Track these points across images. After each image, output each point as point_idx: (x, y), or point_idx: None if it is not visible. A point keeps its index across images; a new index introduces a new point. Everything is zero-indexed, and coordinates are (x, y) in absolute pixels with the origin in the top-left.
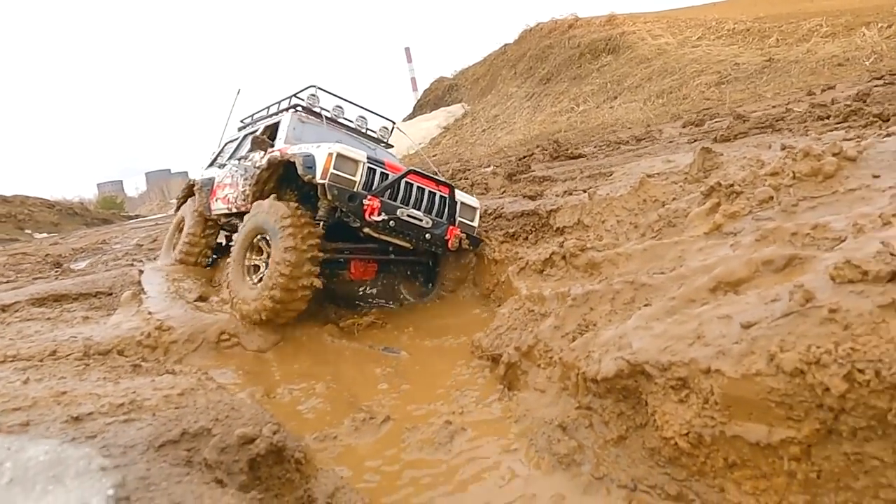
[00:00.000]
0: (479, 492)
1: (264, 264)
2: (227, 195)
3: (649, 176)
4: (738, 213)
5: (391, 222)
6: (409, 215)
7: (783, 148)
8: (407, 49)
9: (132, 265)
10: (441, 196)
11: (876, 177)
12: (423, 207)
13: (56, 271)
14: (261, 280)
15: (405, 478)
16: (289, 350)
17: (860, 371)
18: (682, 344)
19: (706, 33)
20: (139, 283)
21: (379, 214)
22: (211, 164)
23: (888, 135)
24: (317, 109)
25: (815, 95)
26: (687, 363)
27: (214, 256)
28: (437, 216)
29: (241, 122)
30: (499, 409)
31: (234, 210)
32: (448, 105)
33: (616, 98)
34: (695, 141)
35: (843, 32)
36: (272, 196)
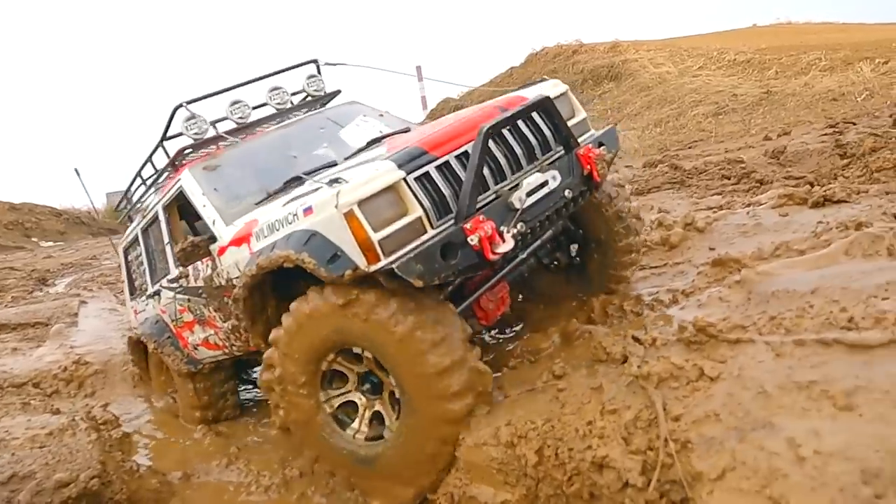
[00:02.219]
0: None
1: (363, 397)
2: (207, 337)
3: None
4: None
5: (519, 225)
6: (530, 194)
7: (659, 211)
8: (418, 67)
9: (89, 291)
10: (537, 104)
11: (712, 249)
12: (525, 158)
13: (37, 289)
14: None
15: None
16: None
17: (547, 447)
18: None
19: (707, 63)
20: (75, 314)
21: (503, 238)
22: (132, 295)
23: (748, 204)
24: (205, 133)
25: (770, 140)
26: None
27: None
28: (547, 154)
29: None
30: None
31: (237, 353)
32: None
33: (616, 125)
34: None
35: (841, 67)
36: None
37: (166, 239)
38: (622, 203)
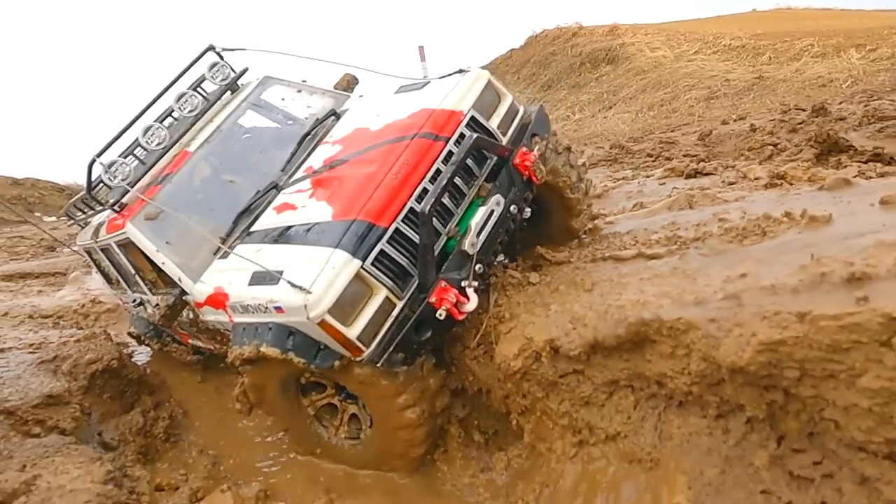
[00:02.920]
0: None
1: (341, 402)
2: (205, 346)
3: None
4: None
5: (478, 268)
6: (479, 233)
7: None
8: (421, 48)
9: None
10: (466, 144)
11: (605, 210)
12: (465, 185)
13: (47, 254)
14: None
15: None
16: None
17: None
18: None
19: (703, 48)
20: (88, 267)
21: (467, 296)
22: (111, 284)
23: (647, 176)
24: (129, 178)
25: (726, 124)
26: None
27: None
28: (483, 168)
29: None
30: None
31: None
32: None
33: (611, 108)
34: None
35: (833, 53)
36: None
37: (131, 270)
38: (559, 163)
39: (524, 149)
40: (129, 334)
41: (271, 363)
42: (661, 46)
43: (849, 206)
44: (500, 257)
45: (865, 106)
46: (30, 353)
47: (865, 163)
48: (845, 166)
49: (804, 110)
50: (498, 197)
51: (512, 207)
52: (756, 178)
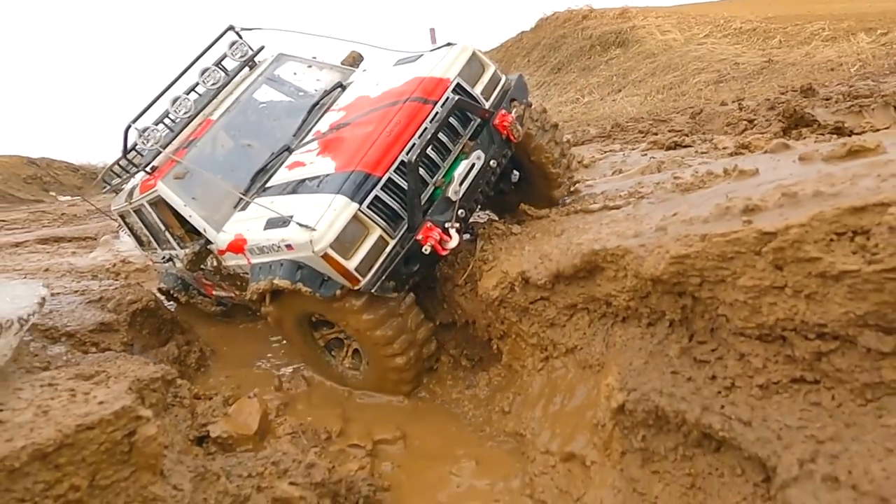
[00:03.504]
0: None
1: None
2: (229, 295)
3: None
4: None
5: (460, 213)
6: (463, 180)
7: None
8: (432, 30)
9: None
10: (452, 107)
11: (588, 178)
12: (451, 142)
13: (75, 221)
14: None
15: None
16: None
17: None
18: None
19: (713, 31)
20: (116, 232)
21: (449, 235)
22: (141, 245)
23: (633, 149)
24: (162, 142)
25: (725, 105)
26: None
27: None
28: (467, 128)
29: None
30: None
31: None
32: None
33: (620, 91)
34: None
35: (844, 37)
36: None
37: (162, 227)
38: (544, 140)
39: (503, 111)
40: (159, 290)
41: (286, 300)
42: (672, 29)
43: (777, 163)
44: (480, 210)
45: (850, 87)
46: (77, 295)
47: (824, 135)
48: (805, 138)
49: (797, 91)
50: (479, 152)
51: (492, 162)
52: (724, 148)
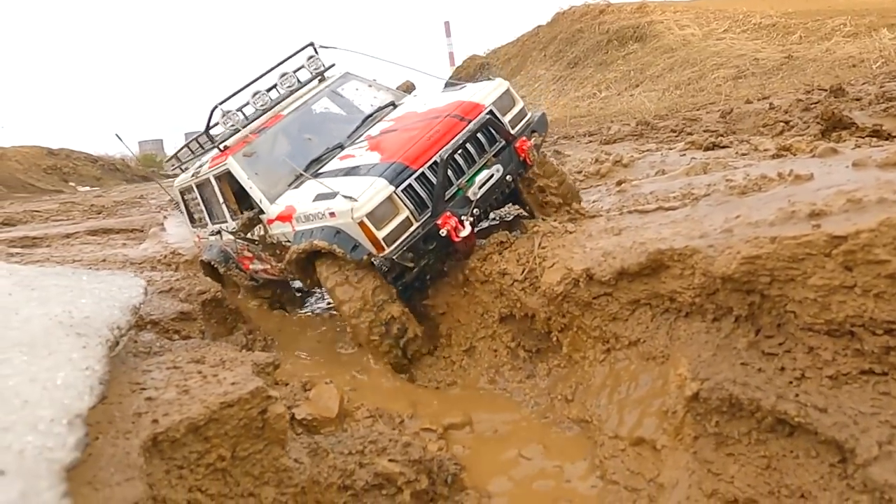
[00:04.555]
0: None
1: None
2: (265, 268)
3: None
4: None
5: (475, 211)
6: (482, 185)
7: (606, 154)
8: (447, 23)
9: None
10: (483, 123)
11: (626, 177)
12: (476, 156)
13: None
14: None
15: None
16: None
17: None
18: None
19: (732, 26)
20: (162, 224)
21: (463, 225)
22: (192, 223)
23: (669, 149)
24: (239, 125)
25: (750, 103)
26: None
27: None
28: (493, 147)
29: (172, 162)
30: None
31: (284, 277)
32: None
33: (637, 86)
34: (590, 141)
35: (866, 32)
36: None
37: (220, 199)
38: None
39: (524, 138)
40: (201, 262)
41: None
42: (690, 24)
43: (830, 168)
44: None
45: (881, 87)
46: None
47: (863, 138)
48: (844, 141)
49: (825, 90)
50: (499, 166)
51: (508, 177)
52: (765, 150)
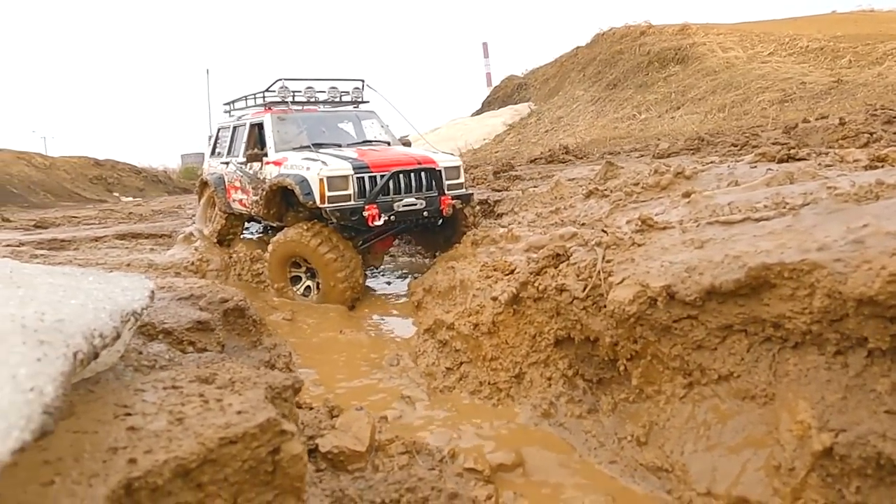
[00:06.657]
0: None
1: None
2: (241, 199)
3: (569, 179)
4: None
5: (391, 217)
6: (405, 205)
7: (665, 166)
8: (485, 44)
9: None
10: (428, 171)
11: (694, 189)
12: (414, 189)
13: (152, 218)
14: (307, 289)
15: None
16: None
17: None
18: None
19: (778, 49)
20: (190, 232)
21: (379, 218)
22: (212, 154)
23: (736, 161)
24: (289, 99)
25: (808, 122)
26: None
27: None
28: (428, 191)
29: (225, 105)
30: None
31: (253, 214)
32: (516, 103)
33: (678, 109)
34: (641, 156)
35: None
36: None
37: (244, 140)
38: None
39: (450, 197)
40: (200, 180)
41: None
42: (734, 47)
43: None
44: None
45: None
46: (165, 291)
47: None
48: None
49: (891, 110)
50: (423, 201)
51: (425, 212)
52: (855, 161)
